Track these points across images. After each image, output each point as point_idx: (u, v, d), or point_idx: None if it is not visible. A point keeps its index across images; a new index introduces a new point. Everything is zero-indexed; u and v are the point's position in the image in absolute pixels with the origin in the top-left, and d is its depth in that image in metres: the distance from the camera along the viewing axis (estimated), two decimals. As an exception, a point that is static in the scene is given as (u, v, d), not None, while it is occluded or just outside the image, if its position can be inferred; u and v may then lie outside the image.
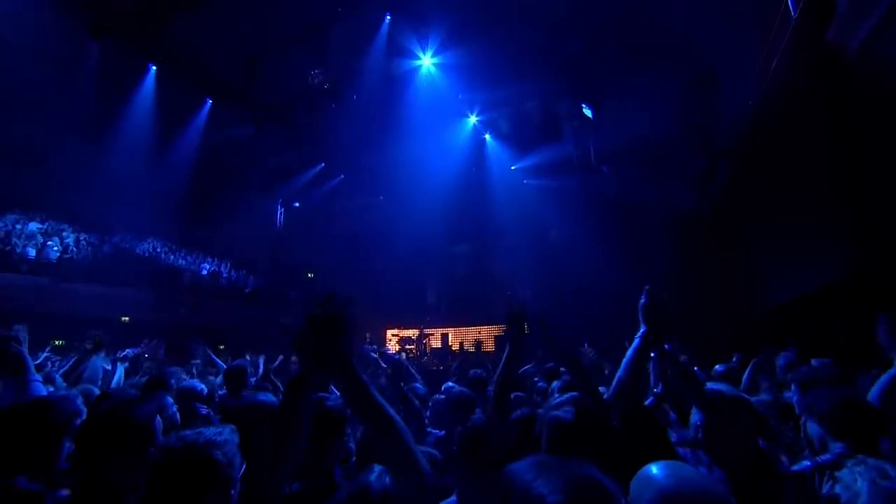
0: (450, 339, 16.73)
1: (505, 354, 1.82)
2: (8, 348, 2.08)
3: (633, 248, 13.13)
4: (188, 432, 1.20)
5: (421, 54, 13.07)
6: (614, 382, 1.66)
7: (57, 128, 12.55)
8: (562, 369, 5.17)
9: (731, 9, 10.00)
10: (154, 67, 13.20)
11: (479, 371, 4.98)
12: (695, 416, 1.41)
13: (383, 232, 17.72)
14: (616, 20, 12.23)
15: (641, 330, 1.76)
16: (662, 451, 1.39)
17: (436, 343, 16.03)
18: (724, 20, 10.22)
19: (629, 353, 1.73)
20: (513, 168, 16.41)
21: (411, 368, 5.66)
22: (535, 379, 5.51)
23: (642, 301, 1.81)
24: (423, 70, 13.43)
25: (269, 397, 2.35)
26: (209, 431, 1.21)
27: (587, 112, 13.89)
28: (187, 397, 2.89)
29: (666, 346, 1.91)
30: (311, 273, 19.11)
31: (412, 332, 15.73)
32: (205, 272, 15.74)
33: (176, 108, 14.23)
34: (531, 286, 15.29)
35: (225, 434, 1.23)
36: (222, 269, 16.64)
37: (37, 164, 12.20)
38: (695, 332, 7.10)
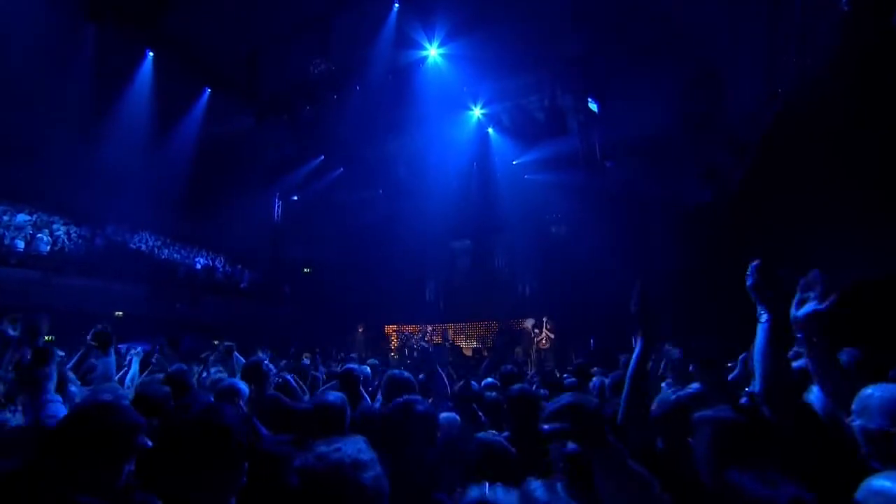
0: (450, 335, 16.54)
1: (636, 353, 1.62)
2: (32, 372, 2.08)
3: (638, 245, 13.01)
4: (325, 449, 1.01)
5: (427, 45, 12.78)
6: (759, 380, 1.47)
7: (50, 116, 12.00)
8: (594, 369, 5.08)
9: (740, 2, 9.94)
10: (151, 54, 12.74)
11: (510, 366, 4.89)
12: (872, 422, 1.25)
13: (383, 226, 17.42)
14: (622, 13, 12.12)
15: (764, 317, 1.49)
16: (848, 455, 1.23)
17: (436, 339, 15.84)
18: (731, 13, 10.16)
19: (760, 345, 1.51)
20: (514, 163, 16.21)
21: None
22: (563, 375, 5.42)
23: (754, 280, 1.51)
24: (430, 61, 13.12)
25: (337, 396, 2.16)
26: (349, 447, 1.01)
27: (593, 106, 13.78)
28: (229, 398, 2.65)
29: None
30: (308, 268, 18.74)
31: (413, 329, 15.54)
32: (199, 266, 15.32)
33: (174, 97, 13.79)
34: (533, 282, 15.23)
35: (364, 451, 1.03)
36: (217, 263, 16.23)
37: (28, 155, 11.65)
38: (699, 329, 6.97)
